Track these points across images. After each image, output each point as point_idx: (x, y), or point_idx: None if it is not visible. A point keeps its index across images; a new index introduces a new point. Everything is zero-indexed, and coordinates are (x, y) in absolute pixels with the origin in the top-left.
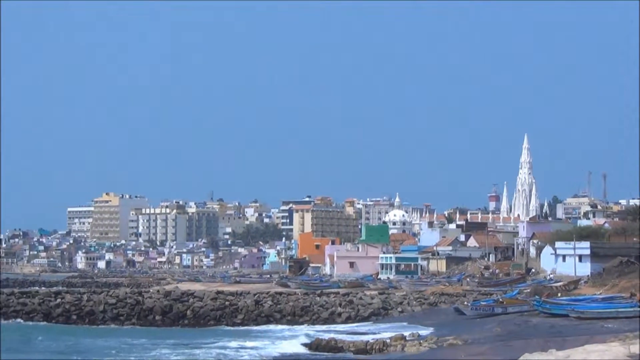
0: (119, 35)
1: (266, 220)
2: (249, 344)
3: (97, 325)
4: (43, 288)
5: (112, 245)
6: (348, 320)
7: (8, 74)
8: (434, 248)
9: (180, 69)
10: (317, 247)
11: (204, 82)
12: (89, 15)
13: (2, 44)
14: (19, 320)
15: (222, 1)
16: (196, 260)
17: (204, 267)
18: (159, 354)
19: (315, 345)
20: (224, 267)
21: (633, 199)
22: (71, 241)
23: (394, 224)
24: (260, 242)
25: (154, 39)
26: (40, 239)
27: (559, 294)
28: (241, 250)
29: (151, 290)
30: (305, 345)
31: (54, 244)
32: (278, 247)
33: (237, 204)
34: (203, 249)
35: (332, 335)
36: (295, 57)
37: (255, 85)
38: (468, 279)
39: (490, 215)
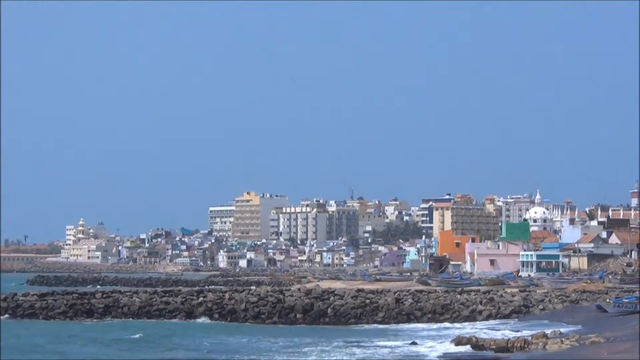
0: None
1: (406, 218)
2: (395, 343)
3: (239, 322)
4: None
5: (253, 244)
6: (489, 317)
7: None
8: (576, 245)
9: (314, 66)
10: (457, 244)
11: (346, 79)
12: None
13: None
14: (162, 319)
15: None
16: (336, 258)
17: (345, 266)
18: (316, 351)
19: (456, 343)
20: (364, 265)
21: None
22: (213, 240)
23: (535, 221)
24: (400, 240)
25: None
26: (183, 239)
27: None
28: (381, 248)
29: (292, 289)
30: (446, 342)
31: (196, 243)
32: (418, 245)
33: (377, 202)
34: (343, 247)
35: (473, 332)
36: (442, 53)
37: (393, 84)
38: (610, 277)
39: (632, 212)
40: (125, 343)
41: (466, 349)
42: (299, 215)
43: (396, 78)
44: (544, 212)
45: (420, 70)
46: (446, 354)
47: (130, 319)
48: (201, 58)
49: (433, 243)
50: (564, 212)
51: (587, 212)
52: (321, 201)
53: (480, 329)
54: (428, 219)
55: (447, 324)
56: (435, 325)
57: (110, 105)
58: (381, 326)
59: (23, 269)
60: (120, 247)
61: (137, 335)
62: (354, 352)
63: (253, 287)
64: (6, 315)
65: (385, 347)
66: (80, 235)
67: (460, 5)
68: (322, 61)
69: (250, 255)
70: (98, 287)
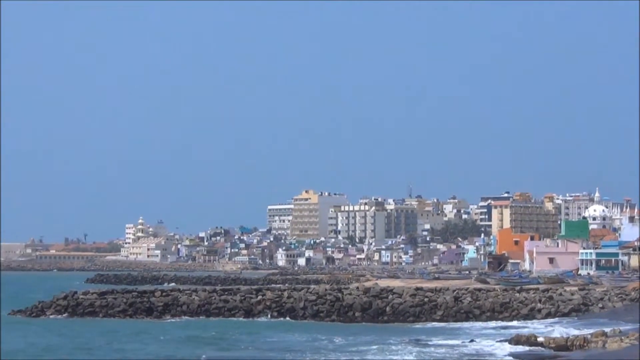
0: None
1: (465, 216)
2: (453, 341)
3: (298, 320)
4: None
5: (311, 242)
6: (548, 316)
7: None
8: (635, 243)
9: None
10: (516, 243)
11: (404, 77)
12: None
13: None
14: (221, 317)
15: None
16: (395, 256)
17: (403, 264)
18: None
19: (515, 341)
20: (423, 263)
21: None
22: (271, 239)
23: (594, 219)
24: (459, 239)
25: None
26: (241, 237)
27: None
28: (440, 246)
29: (350, 287)
30: (505, 341)
31: (255, 241)
32: (477, 244)
33: (435, 200)
34: (402, 246)
35: (531, 331)
36: (499, 51)
37: (451, 82)
38: None
39: None
40: (201, 340)
41: (525, 347)
42: (357, 213)
43: (456, 76)
44: (603, 210)
45: (481, 68)
46: (513, 353)
47: (189, 317)
48: (263, 57)
49: (492, 241)
50: (623, 210)
51: None
52: (380, 199)
53: (539, 328)
54: (487, 217)
55: (505, 323)
56: (493, 324)
57: (172, 105)
58: (439, 324)
59: (83, 268)
60: (179, 246)
61: (213, 333)
62: (414, 350)
63: (312, 286)
64: (65, 314)
65: (444, 345)
66: (139, 234)
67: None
68: (379, 59)
69: (308, 253)
70: (171, 284)
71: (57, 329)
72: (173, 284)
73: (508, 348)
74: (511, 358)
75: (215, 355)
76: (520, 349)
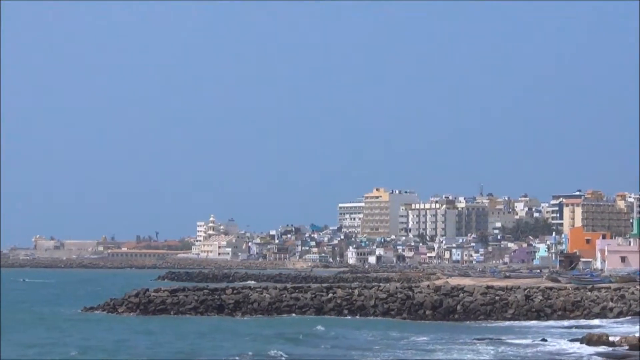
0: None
1: (536, 214)
2: (524, 341)
3: (367, 317)
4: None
5: (382, 240)
6: (620, 315)
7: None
8: None
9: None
10: (588, 241)
11: (478, 80)
12: None
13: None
14: (292, 314)
15: None
16: (466, 255)
17: (474, 262)
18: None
19: (586, 340)
20: (494, 262)
21: None
22: (342, 237)
23: None
24: (530, 237)
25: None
26: (312, 235)
27: None
28: (511, 245)
29: (421, 285)
30: (576, 340)
31: (326, 239)
32: (548, 242)
33: (506, 198)
34: (472, 244)
35: (603, 330)
36: (567, 48)
37: (521, 80)
38: None
39: None
40: (281, 337)
41: (606, 347)
42: (428, 211)
43: (529, 74)
44: None
45: (553, 67)
46: (600, 353)
47: (260, 315)
48: (335, 54)
49: (563, 240)
50: None
51: None
52: (450, 197)
53: (611, 327)
54: (558, 215)
55: (575, 321)
56: (565, 323)
57: (243, 103)
58: (508, 323)
59: (154, 265)
60: (250, 244)
61: (288, 330)
62: (488, 349)
63: (383, 284)
64: (137, 311)
65: (517, 344)
66: (210, 232)
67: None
68: (454, 57)
69: (379, 251)
70: (251, 282)
71: (132, 326)
72: (253, 282)
73: (587, 348)
74: (598, 357)
75: (296, 352)
76: (602, 349)
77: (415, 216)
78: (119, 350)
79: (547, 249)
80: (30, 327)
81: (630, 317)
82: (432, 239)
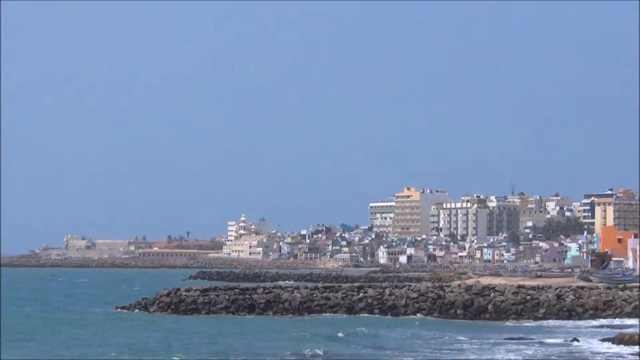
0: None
1: (567, 213)
2: (555, 340)
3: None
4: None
5: (413, 239)
6: None
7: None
8: None
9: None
10: (620, 241)
11: (511, 77)
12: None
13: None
14: (324, 314)
15: None
16: (497, 254)
17: (505, 262)
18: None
19: (618, 340)
20: (525, 261)
21: None
22: (373, 236)
23: None
24: (562, 236)
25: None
26: (343, 234)
27: None
28: (542, 244)
29: (452, 285)
30: (607, 340)
31: (356, 239)
32: (580, 241)
33: (538, 197)
34: (504, 243)
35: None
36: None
37: (553, 79)
38: None
39: None
40: (328, 337)
41: (630, 347)
42: (459, 211)
43: (559, 72)
44: None
45: (581, 63)
46: (632, 353)
47: (291, 314)
48: (367, 57)
49: (595, 239)
50: None
51: None
52: (481, 197)
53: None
54: (590, 214)
55: (605, 321)
56: (597, 322)
57: (275, 103)
58: (538, 322)
59: (186, 265)
60: (281, 243)
61: (320, 330)
62: (521, 348)
63: (414, 284)
64: (168, 311)
65: (551, 344)
66: (241, 232)
67: None
68: (482, 53)
69: (410, 251)
70: (284, 282)
71: (165, 325)
72: (289, 281)
73: (619, 348)
74: (630, 357)
75: (333, 351)
76: (634, 349)
77: (446, 215)
78: (156, 350)
79: (578, 249)
80: (66, 327)
81: None
82: (463, 238)
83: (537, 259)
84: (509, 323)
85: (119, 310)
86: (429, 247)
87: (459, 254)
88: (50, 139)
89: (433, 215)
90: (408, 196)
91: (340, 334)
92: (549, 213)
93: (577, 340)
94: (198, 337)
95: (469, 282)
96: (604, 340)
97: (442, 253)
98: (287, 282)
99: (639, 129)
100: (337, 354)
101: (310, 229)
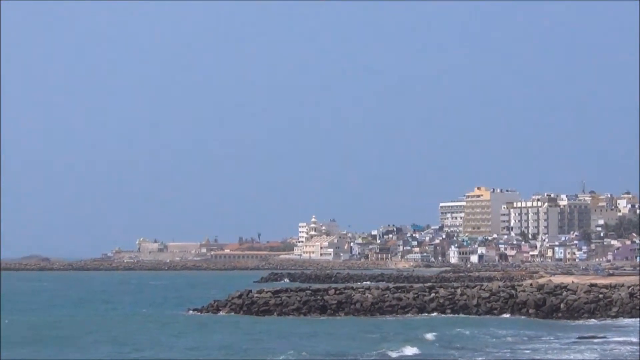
0: None
1: (639, 211)
2: (629, 338)
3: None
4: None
5: (484, 239)
6: None
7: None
8: None
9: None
10: None
11: (581, 74)
12: None
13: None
14: (395, 315)
15: None
16: (568, 253)
17: (577, 260)
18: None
19: None
20: (597, 259)
21: None
22: (444, 236)
23: None
24: (634, 234)
25: None
26: (414, 234)
27: None
28: (614, 242)
29: (524, 284)
30: None
31: (427, 239)
32: None
33: (609, 195)
34: (575, 242)
35: None
36: None
37: (621, 75)
38: None
39: None
40: (423, 341)
41: None
42: (529, 209)
43: (628, 67)
44: None
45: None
46: None
47: (363, 315)
48: (437, 57)
49: None
50: None
51: None
52: (552, 195)
53: None
54: None
55: None
56: None
57: (345, 105)
58: (611, 321)
59: (257, 267)
60: (352, 244)
61: (431, 335)
62: (592, 347)
63: (485, 283)
64: (240, 312)
65: (619, 342)
66: (312, 233)
67: None
68: (548, 49)
69: (481, 250)
70: (366, 283)
71: (240, 327)
72: (367, 282)
73: None
74: None
75: (417, 352)
76: None
77: (517, 214)
78: (233, 352)
79: None
80: (143, 329)
81: None
82: (534, 237)
83: (609, 257)
84: (582, 322)
85: (192, 312)
86: (500, 246)
87: (530, 253)
88: (121, 143)
89: (504, 215)
90: (478, 195)
91: (428, 335)
92: (620, 211)
93: None
94: (293, 337)
95: (541, 281)
96: None
97: (513, 252)
98: (363, 283)
99: None
100: (428, 354)
101: (380, 229)
